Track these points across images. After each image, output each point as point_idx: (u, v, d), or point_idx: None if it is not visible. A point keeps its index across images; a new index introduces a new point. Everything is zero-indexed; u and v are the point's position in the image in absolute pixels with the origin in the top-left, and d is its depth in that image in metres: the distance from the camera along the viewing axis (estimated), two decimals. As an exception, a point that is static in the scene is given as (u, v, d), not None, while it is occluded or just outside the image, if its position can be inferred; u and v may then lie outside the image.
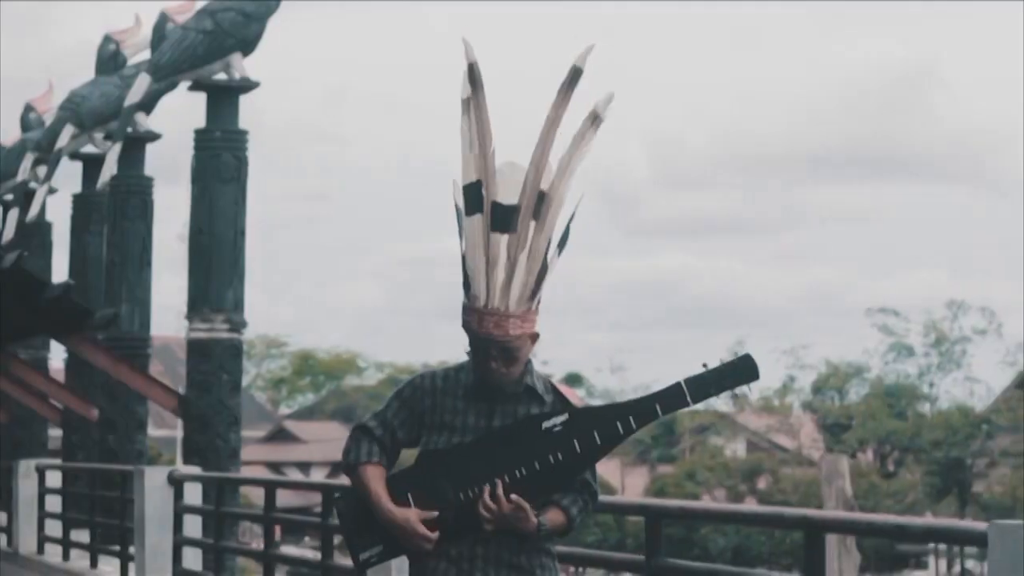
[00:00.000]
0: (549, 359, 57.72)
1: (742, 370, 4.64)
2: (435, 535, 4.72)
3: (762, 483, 51.58)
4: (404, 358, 77.33)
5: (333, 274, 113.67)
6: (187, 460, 16.28)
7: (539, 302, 4.75)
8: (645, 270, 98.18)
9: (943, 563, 49.64)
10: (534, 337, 4.78)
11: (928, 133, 79.24)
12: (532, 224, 4.71)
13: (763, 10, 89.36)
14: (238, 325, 16.58)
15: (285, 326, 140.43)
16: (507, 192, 4.70)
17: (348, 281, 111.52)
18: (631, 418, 4.70)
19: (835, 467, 26.59)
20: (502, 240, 4.69)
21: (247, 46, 16.69)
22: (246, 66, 16.70)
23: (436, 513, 4.71)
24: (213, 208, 16.38)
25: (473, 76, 4.76)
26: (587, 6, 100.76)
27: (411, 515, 4.73)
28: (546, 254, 4.73)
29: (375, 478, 4.81)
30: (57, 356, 24.32)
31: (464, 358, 4.87)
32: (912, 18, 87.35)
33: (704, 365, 4.69)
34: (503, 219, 4.69)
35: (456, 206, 4.78)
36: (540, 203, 4.70)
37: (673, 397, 4.68)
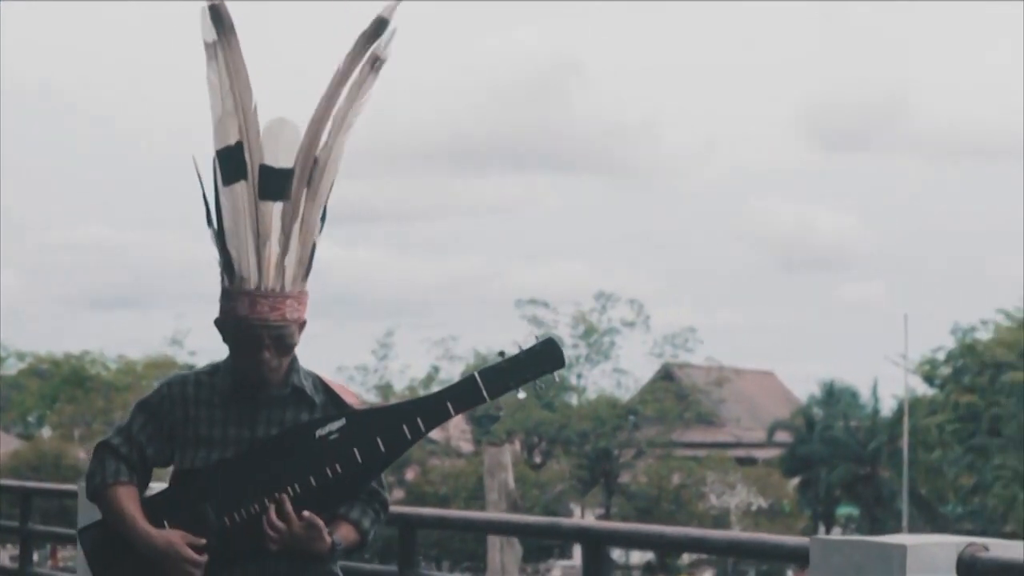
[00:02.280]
0: (200, 348, 56.07)
1: (544, 357, 4.15)
2: (203, 559, 4.11)
3: (410, 474, 51.26)
4: (46, 347, 74.43)
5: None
6: None
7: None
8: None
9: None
10: (302, 325, 4.19)
11: (570, 125, 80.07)
12: (304, 191, 4.14)
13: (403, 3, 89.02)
14: None
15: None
16: (277, 154, 4.11)
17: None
18: (419, 419, 4.16)
19: (498, 460, 26.46)
20: (274, 210, 4.11)
21: None
22: None
23: (203, 540, 4.11)
24: None
25: (218, 15, 4.09)
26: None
27: (174, 538, 4.11)
28: (319, 227, 4.18)
29: (128, 500, 4.17)
30: None
31: (215, 360, 4.29)
32: (552, 10, 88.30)
33: (501, 354, 4.17)
34: (274, 185, 4.10)
35: (200, 180, 4.16)
36: (314, 167, 4.14)
37: (467, 392, 4.16)
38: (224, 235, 4.12)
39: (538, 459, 52.92)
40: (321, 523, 4.09)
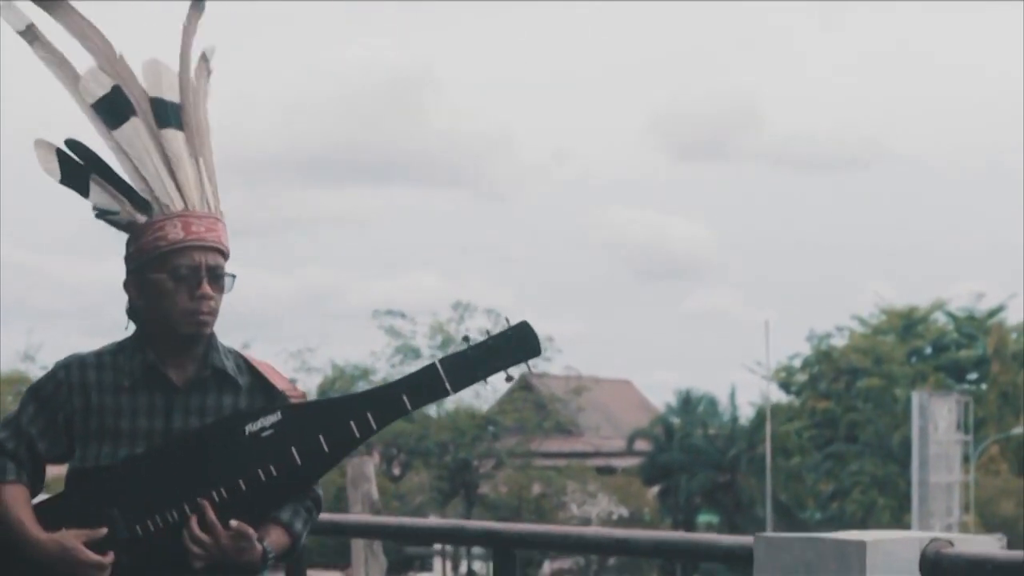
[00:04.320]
0: (51, 363, 54.84)
1: (517, 343, 3.57)
2: (109, 557, 3.52)
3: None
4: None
5: None
6: None
7: None
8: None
9: (448, 564, 50.00)
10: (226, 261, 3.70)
11: (423, 137, 79.78)
12: (197, 129, 3.71)
13: (256, 8, 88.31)
14: None
15: None
16: (161, 88, 3.71)
17: None
18: (369, 415, 3.56)
19: (361, 471, 25.93)
20: (177, 137, 3.66)
21: None
22: None
23: (104, 531, 3.51)
24: None
25: None
26: None
27: (68, 540, 3.52)
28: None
29: (15, 502, 3.58)
30: None
31: (119, 338, 3.69)
32: (405, 21, 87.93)
33: (465, 339, 3.61)
34: (171, 114, 3.68)
35: (65, 155, 3.67)
36: (195, 110, 3.72)
37: (426, 384, 3.58)
38: (122, 179, 3.65)
39: (397, 470, 52.57)
40: (252, 532, 3.55)
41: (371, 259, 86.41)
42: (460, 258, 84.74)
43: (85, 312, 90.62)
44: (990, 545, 3.90)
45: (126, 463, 3.56)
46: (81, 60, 3.74)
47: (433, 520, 11.29)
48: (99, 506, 3.54)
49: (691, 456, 51.22)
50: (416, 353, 54.15)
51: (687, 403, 54.52)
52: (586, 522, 47.07)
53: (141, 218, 3.59)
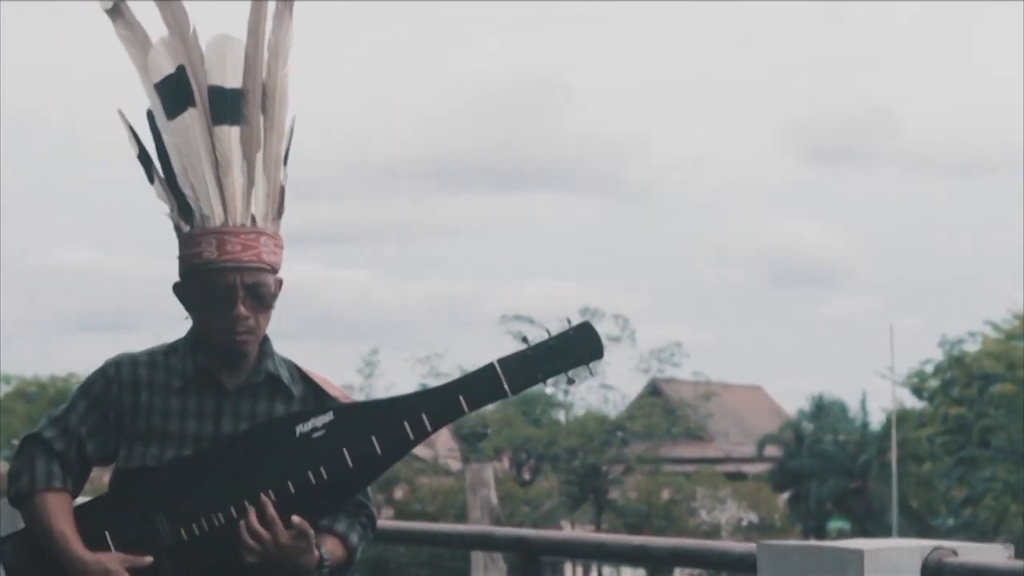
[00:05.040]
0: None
1: (580, 344, 3.45)
2: None
3: (399, 493, 50.96)
4: (33, 370, 74.03)
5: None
6: None
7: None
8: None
9: (580, 570, 49.93)
10: (279, 283, 3.53)
11: (557, 143, 79.85)
12: (261, 119, 3.54)
13: (387, 14, 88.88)
14: None
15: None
16: (225, 74, 3.54)
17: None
18: (424, 416, 3.43)
19: (479, 476, 26.14)
20: (231, 134, 3.50)
21: None
22: None
23: (148, 559, 3.40)
24: None
25: None
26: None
27: (112, 563, 3.39)
28: (284, 164, 3.58)
29: (58, 511, 3.45)
30: None
31: (172, 339, 3.59)
32: (537, 26, 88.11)
33: (524, 340, 3.48)
34: (228, 107, 3.51)
35: (134, 134, 3.57)
36: (265, 94, 3.54)
37: (484, 385, 3.43)
38: (175, 177, 3.52)
39: (527, 476, 52.61)
40: (312, 532, 3.43)
41: (503, 266, 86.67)
42: (593, 265, 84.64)
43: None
44: (996, 554, 3.90)
45: (171, 465, 3.46)
46: (158, 32, 3.62)
47: (464, 526, 11.35)
48: (143, 509, 3.43)
49: (821, 462, 50.76)
50: (543, 359, 54.26)
51: (819, 409, 54.07)
52: (716, 528, 46.80)
53: (185, 226, 3.50)
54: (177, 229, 3.53)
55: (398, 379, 77.05)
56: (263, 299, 3.47)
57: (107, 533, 3.45)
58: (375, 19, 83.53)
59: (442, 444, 55.11)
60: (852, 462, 50.44)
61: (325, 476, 3.41)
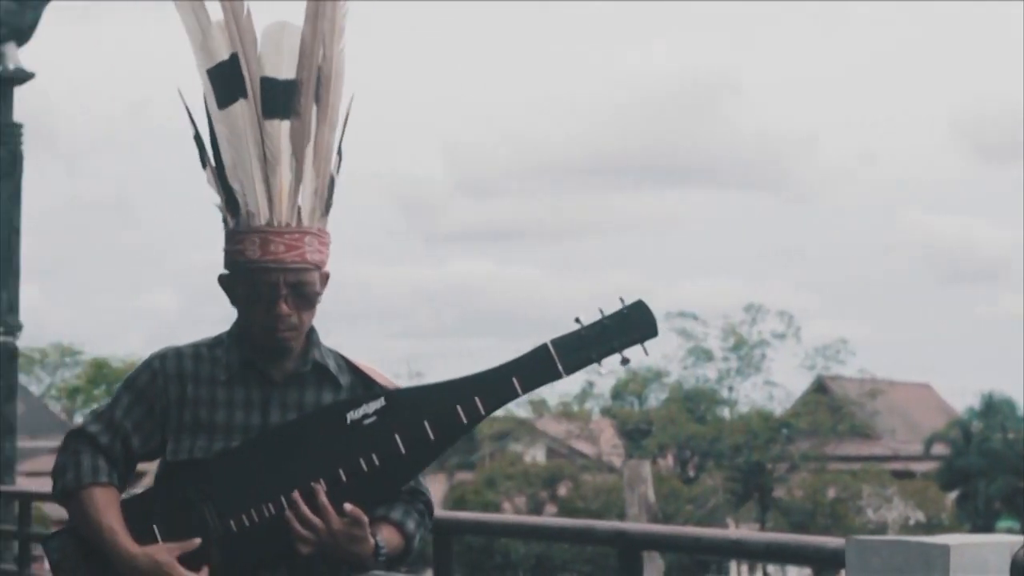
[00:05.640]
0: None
1: (634, 323, 3.37)
2: (203, 575, 3.35)
3: (563, 490, 51.04)
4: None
5: (131, 282, 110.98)
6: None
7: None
8: (443, 277, 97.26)
9: (744, 568, 49.64)
10: (325, 277, 3.48)
11: (723, 139, 79.60)
12: (314, 109, 3.43)
13: (556, 13, 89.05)
14: (13, 328, 15.44)
15: (84, 336, 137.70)
16: (279, 64, 3.44)
17: (146, 289, 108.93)
18: (477, 399, 3.34)
19: (637, 473, 26.08)
20: (281, 129, 3.41)
21: (21, 35, 15.50)
22: (21, 57, 15.42)
23: (197, 541, 3.34)
24: (-17, 204, 15.33)
25: None
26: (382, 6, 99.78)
27: (162, 555, 3.33)
28: (337, 154, 3.49)
29: (105, 505, 3.38)
30: None
31: (218, 332, 3.53)
32: (707, 22, 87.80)
33: (578, 320, 3.38)
34: (279, 100, 3.41)
35: (191, 116, 3.49)
36: (319, 82, 3.44)
37: (537, 365, 3.34)
38: (224, 169, 3.45)
39: (691, 473, 52.43)
40: (366, 520, 3.33)
41: (669, 262, 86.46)
42: (759, 261, 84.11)
43: (384, 315, 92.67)
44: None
45: (219, 456, 3.37)
46: (215, 12, 3.50)
47: (562, 520, 11.31)
48: (191, 501, 3.36)
49: (990, 461, 49.95)
50: (708, 355, 54.01)
51: (989, 406, 53.21)
52: (882, 527, 46.26)
53: (231, 221, 3.44)
54: (224, 221, 3.47)
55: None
56: (307, 297, 3.40)
57: (155, 527, 3.38)
58: (548, 19, 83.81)
59: (606, 441, 55.10)
60: (1021, 461, 49.56)
61: (377, 463, 3.33)
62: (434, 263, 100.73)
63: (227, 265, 3.44)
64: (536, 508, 48.83)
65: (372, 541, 3.36)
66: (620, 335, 3.37)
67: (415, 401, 3.36)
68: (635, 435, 53.46)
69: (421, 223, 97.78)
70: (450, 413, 3.33)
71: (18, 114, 15.70)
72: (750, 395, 53.37)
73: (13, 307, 15.48)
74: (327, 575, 3.42)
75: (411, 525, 3.48)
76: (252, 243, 3.38)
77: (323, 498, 3.30)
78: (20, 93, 15.65)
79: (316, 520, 3.30)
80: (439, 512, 5.49)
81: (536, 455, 57.12)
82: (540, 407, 57.48)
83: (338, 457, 3.33)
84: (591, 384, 55.51)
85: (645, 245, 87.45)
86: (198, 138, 3.50)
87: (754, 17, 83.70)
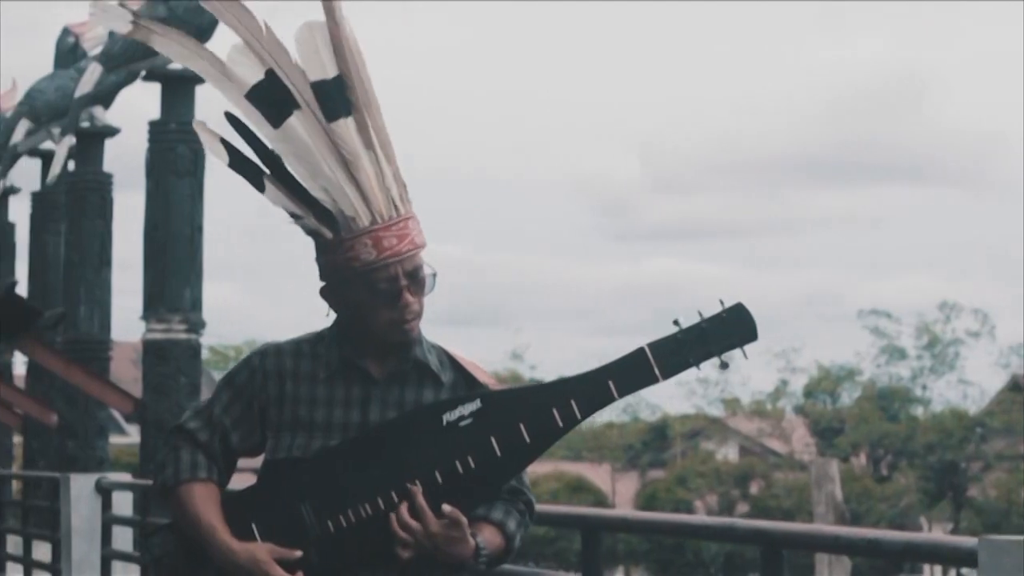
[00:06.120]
0: (539, 362, 57.07)
1: (733, 327, 3.29)
2: None
3: (754, 488, 50.92)
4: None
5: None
6: (144, 466, 15.56)
7: None
8: (636, 275, 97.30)
9: (938, 569, 49.10)
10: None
11: (922, 135, 78.74)
12: (364, 100, 3.39)
13: (751, 11, 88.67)
14: (196, 325, 15.84)
15: (282, 331, 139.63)
16: (322, 65, 3.35)
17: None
18: (574, 403, 3.29)
19: (825, 471, 26.03)
20: (348, 127, 3.33)
21: (202, 34, 15.71)
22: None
23: (298, 553, 3.32)
24: (168, 203, 15.73)
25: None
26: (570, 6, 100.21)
27: (261, 553, 3.31)
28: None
29: (205, 501, 3.37)
30: (22, 361, 23.82)
31: (318, 328, 3.49)
32: (905, 17, 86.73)
33: (676, 323, 3.30)
34: (337, 99, 3.34)
35: (223, 143, 3.40)
36: (353, 73, 3.37)
37: (634, 369, 3.29)
38: (299, 184, 3.36)
39: (884, 472, 51.99)
40: (465, 521, 3.26)
41: (866, 259, 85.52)
42: (954, 259, 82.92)
43: (580, 313, 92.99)
44: None
45: (317, 455, 3.34)
46: (222, 40, 3.39)
47: (704, 517, 11.24)
48: (290, 500, 3.33)
49: None
50: (901, 353, 53.53)
51: None
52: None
53: (328, 233, 3.33)
54: (315, 234, 3.37)
55: (753, 374, 76.93)
56: (421, 281, 3.35)
57: (254, 524, 3.35)
58: (747, 17, 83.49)
59: (798, 439, 54.81)
60: None
61: (473, 465, 3.29)
62: (625, 260, 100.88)
63: (331, 276, 3.37)
64: (727, 506, 48.77)
65: (472, 542, 3.31)
66: (718, 339, 3.29)
67: (511, 404, 3.32)
68: (827, 433, 53.11)
69: (612, 221, 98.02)
70: (546, 416, 3.29)
71: (199, 112, 16.01)
72: (944, 394, 52.80)
73: (196, 305, 15.81)
74: None
75: (512, 525, 3.43)
76: (364, 246, 3.30)
77: (420, 500, 3.26)
78: (201, 92, 15.91)
79: (414, 523, 3.26)
80: (583, 509, 5.62)
81: (728, 453, 56.98)
82: (733, 405, 57.39)
83: (434, 459, 3.29)
84: (784, 382, 55.30)
85: (840, 242, 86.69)
86: (240, 166, 3.40)
87: (955, 15, 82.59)
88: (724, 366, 3.31)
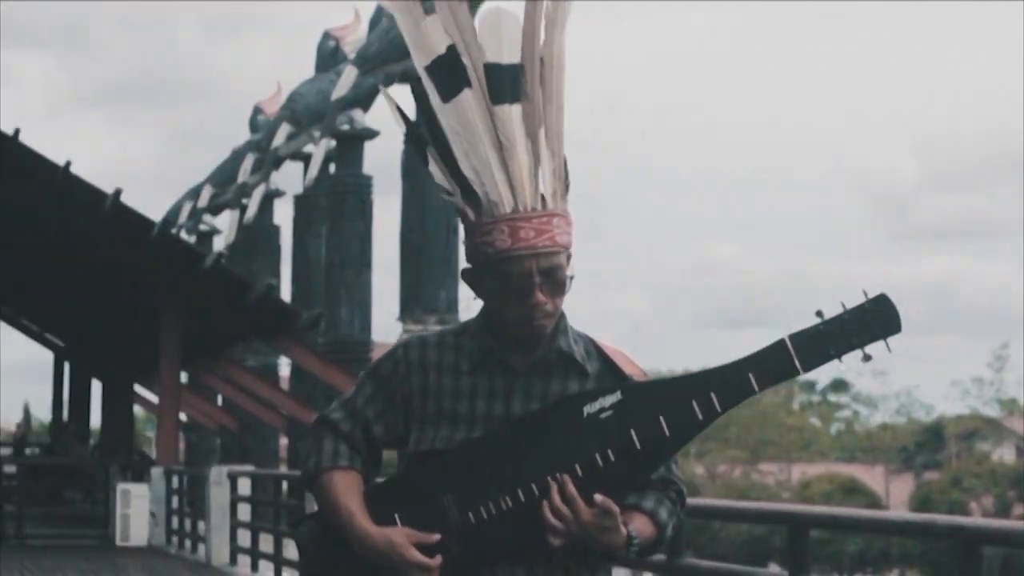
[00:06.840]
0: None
1: (876, 319, 3.19)
2: (436, 561, 3.28)
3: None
4: (668, 366, 76.34)
5: (601, 282, 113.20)
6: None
7: None
8: (912, 274, 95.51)
9: None
10: (569, 259, 3.34)
11: None
12: (540, 93, 3.32)
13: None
14: None
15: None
16: (500, 49, 3.33)
17: (617, 290, 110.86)
18: (713, 395, 3.22)
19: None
20: (513, 113, 3.30)
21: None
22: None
23: (436, 536, 3.28)
24: (424, 205, 15.79)
25: None
26: None
27: (397, 537, 3.29)
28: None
29: (346, 489, 3.38)
30: (287, 363, 24.17)
31: (464, 319, 3.46)
32: None
33: (819, 313, 3.22)
34: (507, 84, 3.31)
35: (403, 117, 3.42)
36: (542, 66, 3.32)
37: (774, 362, 3.21)
38: (455, 160, 3.34)
39: None
40: (617, 510, 3.21)
41: None
42: None
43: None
44: None
45: (459, 447, 3.31)
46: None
47: (902, 513, 10.96)
48: (432, 492, 3.31)
49: None
50: None
51: None
52: None
53: (471, 213, 3.31)
54: (462, 215, 3.36)
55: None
56: (559, 282, 3.28)
57: (396, 515, 3.32)
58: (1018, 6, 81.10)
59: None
60: None
61: (612, 458, 3.24)
62: (901, 259, 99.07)
63: (471, 259, 3.35)
64: (1003, 508, 47.59)
65: (624, 531, 3.25)
66: (861, 331, 3.20)
67: (651, 396, 3.27)
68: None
69: (888, 218, 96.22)
70: (686, 409, 3.24)
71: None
72: None
73: (452, 306, 15.97)
74: (565, 569, 3.34)
75: (664, 514, 3.37)
76: (501, 232, 3.26)
77: (572, 489, 3.21)
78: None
79: (567, 510, 3.21)
80: (788, 505, 5.53)
81: (1004, 454, 55.65)
82: (1010, 405, 56.03)
83: (575, 451, 3.25)
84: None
85: None
86: (413, 137, 3.41)
87: None
88: (867, 358, 3.21)
